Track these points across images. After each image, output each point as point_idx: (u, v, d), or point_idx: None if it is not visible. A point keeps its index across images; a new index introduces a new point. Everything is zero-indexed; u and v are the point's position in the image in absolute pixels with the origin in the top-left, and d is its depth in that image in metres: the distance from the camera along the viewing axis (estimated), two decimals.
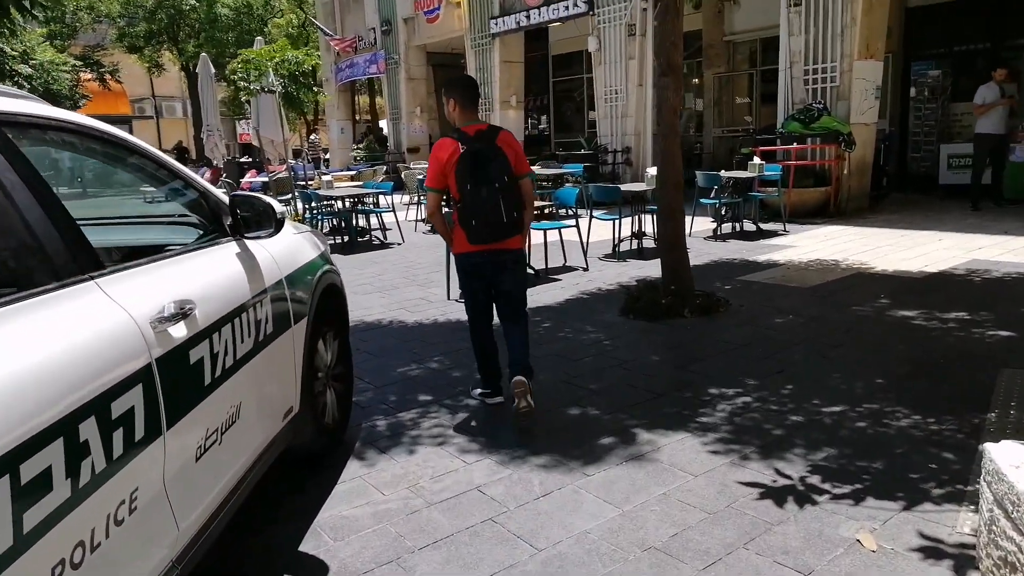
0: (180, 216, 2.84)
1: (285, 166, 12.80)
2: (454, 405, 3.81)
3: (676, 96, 5.41)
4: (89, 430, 1.50)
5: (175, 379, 1.86)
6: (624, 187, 8.11)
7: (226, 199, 2.57)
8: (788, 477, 2.85)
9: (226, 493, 2.17)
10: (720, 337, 4.77)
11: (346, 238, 9.91)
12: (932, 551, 2.31)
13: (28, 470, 1.32)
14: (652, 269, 6.68)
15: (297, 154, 21.81)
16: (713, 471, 2.93)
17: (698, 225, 8.78)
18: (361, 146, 21.65)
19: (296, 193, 11.34)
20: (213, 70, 13.10)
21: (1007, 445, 2.17)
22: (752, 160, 9.23)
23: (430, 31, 18.08)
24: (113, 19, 29.24)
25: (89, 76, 28.17)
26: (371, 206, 10.53)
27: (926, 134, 11.73)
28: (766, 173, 8.86)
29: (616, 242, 7.83)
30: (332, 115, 23.18)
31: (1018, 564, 1.94)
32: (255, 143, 13.92)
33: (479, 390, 3.85)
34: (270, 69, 11.69)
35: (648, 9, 12.18)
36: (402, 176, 13.89)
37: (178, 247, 2.41)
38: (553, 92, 18.88)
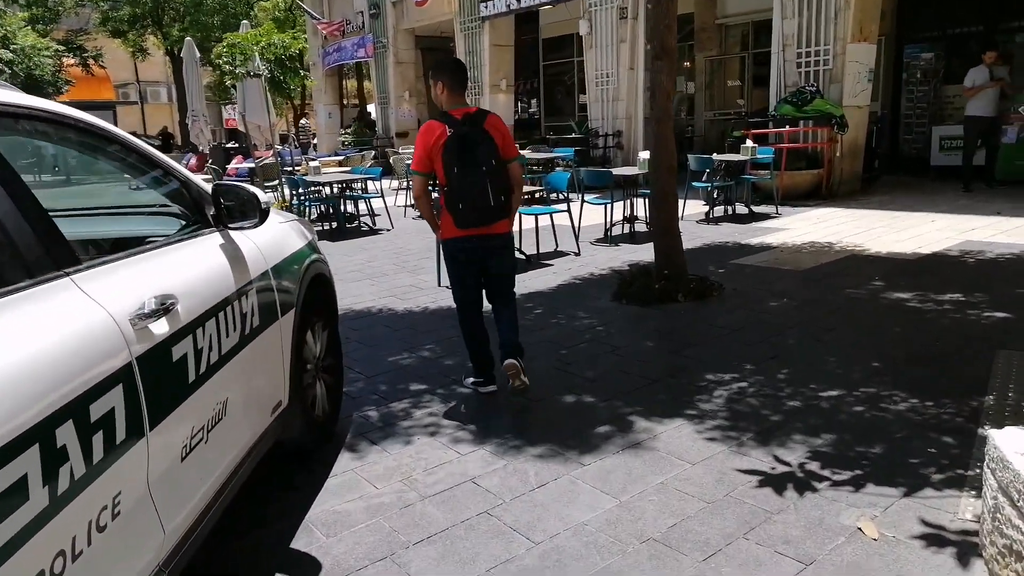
0: (161, 206, 2.75)
1: (272, 152, 12.63)
2: (446, 394, 3.75)
3: (670, 80, 5.34)
4: (67, 435, 1.43)
5: (157, 377, 1.80)
6: (616, 171, 8.05)
7: (208, 188, 2.49)
8: (787, 464, 2.82)
9: (214, 492, 2.11)
10: (714, 322, 4.73)
11: (334, 224, 9.80)
12: (934, 538, 2.28)
13: (2, 480, 1.25)
14: (644, 253, 6.63)
15: (284, 139, 21.57)
16: (711, 459, 2.89)
17: (690, 208, 8.73)
18: (349, 131, 21.44)
19: (283, 179, 11.20)
20: (198, 54, 12.86)
21: (1011, 432, 2.13)
22: (744, 143, 9.17)
23: (418, 14, 17.84)
24: (96, 3, 28.78)
25: (72, 61, 27.76)
26: (359, 192, 10.41)
27: (918, 116, 11.70)
28: (758, 156, 8.80)
29: (608, 226, 7.77)
30: (319, 100, 22.91)
31: (1023, 552, 1.91)
32: (241, 128, 13.72)
33: (471, 379, 3.80)
34: (256, 53, 11.50)
35: None
36: (391, 161, 13.75)
37: (159, 239, 2.33)
38: (543, 76, 18.71)
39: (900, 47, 11.92)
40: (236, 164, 16.12)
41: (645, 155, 7.47)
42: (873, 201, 9.34)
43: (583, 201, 7.74)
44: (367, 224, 9.91)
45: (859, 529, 2.35)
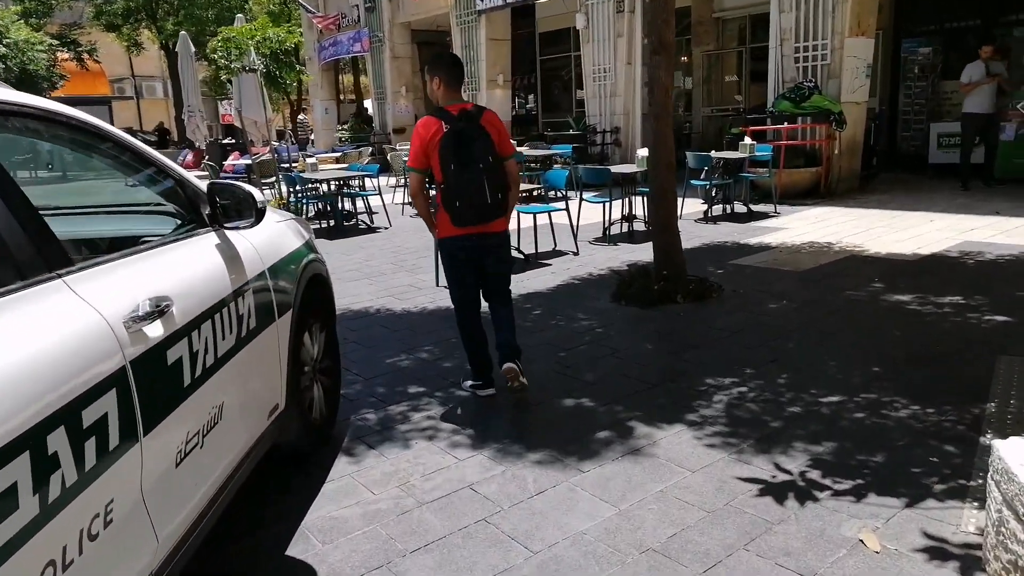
0: (156, 205, 2.71)
1: (269, 148, 12.56)
2: (445, 397, 3.72)
3: (668, 75, 5.30)
4: (58, 441, 1.40)
5: (152, 382, 1.76)
6: (615, 169, 8.00)
7: (204, 187, 2.44)
8: (787, 472, 2.79)
9: (209, 498, 2.07)
10: (713, 324, 4.71)
11: (331, 222, 9.74)
12: (937, 551, 2.26)
13: None
14: (643, 253, 6.60)
15: (281, 135, 21.47)
16: (711, 466, 2.87)
17: (688, 207, 8.69)
18: (346, 126, 21.34)
19: (280, 176, 11.13)
20: (193, 49, 12.78)
21: (1016, 442, 2.10)
22: (742, 140, 9.13)
23: (414, 8, 17.75)
24: None
25: (66, 56, 27.58)
26: (357, 189, 10.36)
27: (916, 112, 11.67)
28: (757, 154, 8.77)
29: (607, 225, 7.74)
30: (316, 95, 22.80)
31: None
32: (238, 124, 13.64)
33: (470, 382, 3.76)
34: (251, 48, 11.42)
35: None
36: (388, 157, 13.69)
37: (154, 239, 2.29)
38: (540, 71, 18.63)
39: (897, 41, 11.87)
40: (233, 160, 16.03)
41: (643, 152, 7.42)
42: (872, 200, 9.32)
43: (581, 199, 7.70)
44: (365, 222, 9.85)
45: (861, 541, 2.32)
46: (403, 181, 11.19)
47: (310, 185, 9.76)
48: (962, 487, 2.61)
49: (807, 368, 3.85)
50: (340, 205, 9.83)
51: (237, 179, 13.46)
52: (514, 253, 6.81)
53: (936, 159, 10.98)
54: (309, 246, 3.20)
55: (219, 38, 12.32)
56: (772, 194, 9.11)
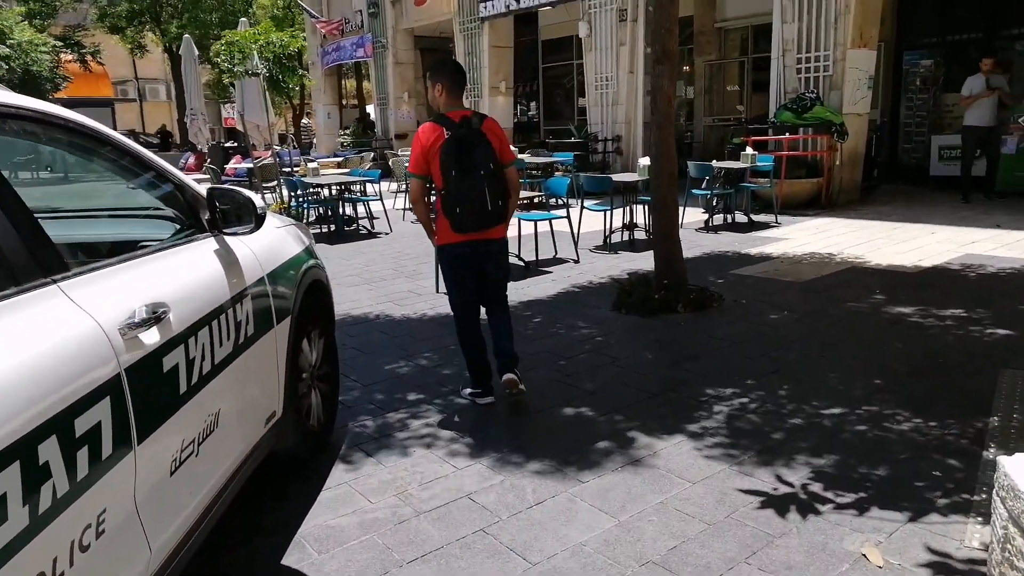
0: (155, 210, 2.69)
1: (270, 152, 12.56)
2: (444, 405, 3.69)
3: (671, 85, 5.29)
4: (50, 451, 1.37)
5: (147, 389, 1.74)
6: (616, 177, 8.00)
7: (204, 192, 2.43)
8: (789, 484, 2.76)
9: (204, 507, 2.05)
10: (714, 334, 4.68)
11: (332, 227, 9.72)
12: (941, 567, 2.23)
13: None
14: (643, 261, 6.59)
15: (283, 139, 21.49)
16: (711, 478, 2.84)
17: (689, 216, 8.66)
18: (348, 131, 21.36)
19: (281, 180, 11.12)
20: (197, 52, 12.79)
21: (1022, 459, 2.08)
22: (744, 150, 9.13)
23: (418, 14, 17.79)
24: None
25: (70, 57, 27.63)
26: (358, 194, 10.35)
27: (917, 125, 11.67)
28: (758, 164, 8.77)
29: (607, 233, 7.72)
30: (318, 99, 22.84)
31: None
32: (240, 128, 13.65)
33: (469, 390, 3.74)
34: (254, 52, 11.41)
35: None
36: (389, 163, 13.69)
37: (152, 243, 2.26)
38: (543, 78, 18.67)
39: (899, 54, 11.89)
40: (234, 164, 16.04)
41: (645, 161, 7.42)
42: (873, 211, 9.31)
43: (582, 207, 7.69)
44: (365, 227, 9.84)
45: (864, 556, 2.30)
46: (404, 187, 11.19)
47: (311, 189, 9.75)
48: (966, 502, 2.59)
49: (808, 379, 3.82)
50: (341, 210, 9.82)
51: (239, 182, 13.46)
52: (515, 260, 6.81)
53: (937, 171, 10.98)
54: (309, 252, 3.18)
55: (222, 42, 12.32)
56: (773, 204, 9.10)
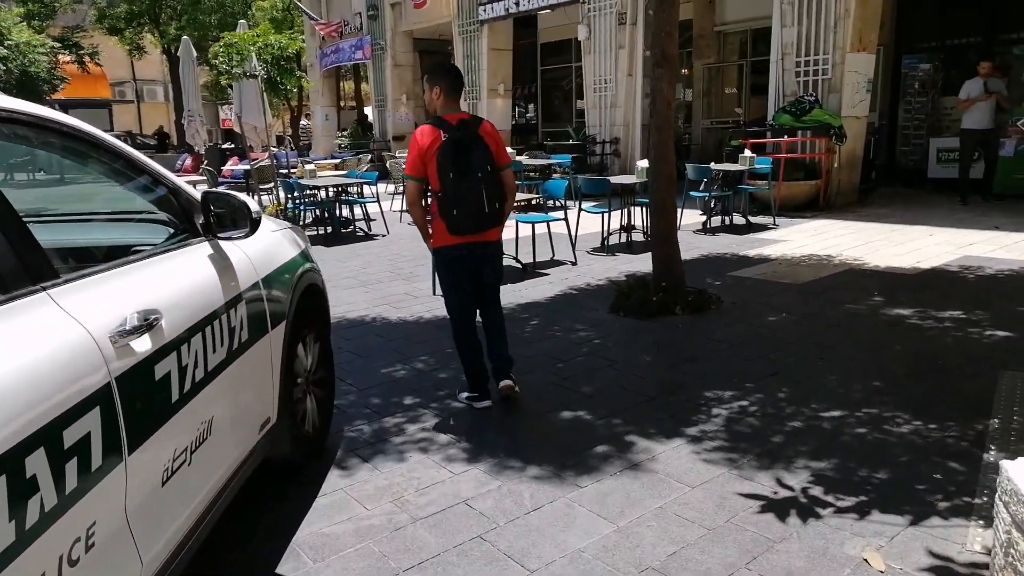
0: (148, 213, 2.66)
1: (267, 154, 12.53)
2: (440, 409, 3.67)
3: (670, 88, 5.27)
4: (37, 463, 1.35)
5: (138, 398, 1.71)
6: (614, 179, 7.98)
7: (198, 196, 2.40)
8: (789, 488, 2.74)
9: (197, 516, 2.02)
10: (712, 336, 4.66)
11: (329, 229, 9.70)
12: (943, 571, 2.21)
13: None
14: (641, 263, 6.57)
15: (280, 141, 21.44)
16: (711, 482, 2.82)
17: (687, 218, 8.66)
18: (345, 133, 21.33)
19: (278, 182, 11.09)
20: (195, 53, 12.77)
21: None
22: (742, 152, 9.12)
23: (417, 16, 17.79)
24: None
25: (68, 58, 27.56)
26: (355, 196, 10.32)
27: (916, 127, 11.67)
28: (757, 166, 8.75)
29: (605, 235, 7.71)
30: (316, 101, 22.81)
31: None
32: (237, 130, 13.61)
33: (466, 394, 3.71)
34: (253, 54, 11.38)
35: None
36: (387, 165, 13.66)
37: (145, 248, 2.24)
38: (541, 81, 18.66)
39: (898, 57, 11.91)
40: (232, 165, 16.02)
41: (643, 164, 7.40)
42: (871, 213, 9.30)
43: (580, 209, 7.67)
44: (362, 229, 9.81)
45: (865, 560, 2.28)
46: (401, 188, 11.17)
47: (308, 191, 9.72)
48: (967, 505, 2.57)
49: (807, 382, 3.80)
50: (338, 212, 9.79)
51: (236, 184, 13.40)
52: (512, 263, 6.79)
53: (935, 174, 10.98)
54: (305, 255, 3.16)
55: (221, 43, 12.29)
56: (771, 206, 9.09)
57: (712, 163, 9.34)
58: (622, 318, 5.15)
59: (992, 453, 2.93)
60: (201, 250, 2.33)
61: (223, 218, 2.39)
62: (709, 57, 15.21)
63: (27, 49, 22.25)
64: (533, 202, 8.69)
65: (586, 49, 13.35)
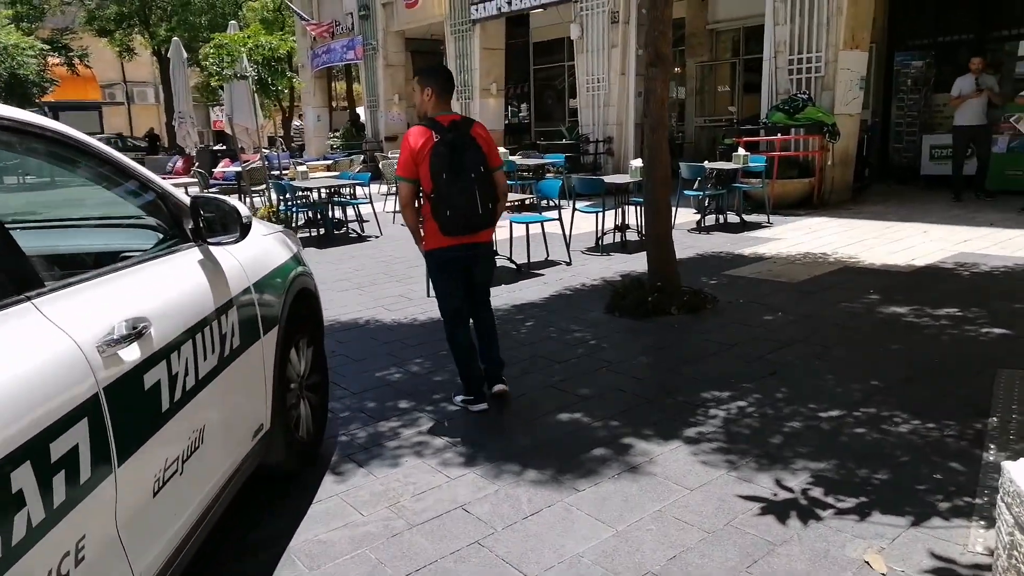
0: (136, 219, 2.62)
1: (259, 155, 12.47)
2: (436, 412, 3.64)
3: (664, 87, 5.25)
4: (24, 478, 1.31)
5: (127, 408, 1.67)
6: (608, 179, 7.96)
7: (187, 201, 2.36)
8: (789, 490, 2.72)
9: (190, 527, 1.98)
10: (709, 336, 4.64)
11: (322, 231, 9.65)
12: (945, 573, 2.19)
13: None
14: (636, 263, 6.55)
15: (272, 142, 21.36)
16: (710, 484, 2.79)
17: (681, 217, 8.65)
18: (338, 134, 21.25)
19: (270, 183, 11.03)
20: (185, 55, 12.67)
21: None
22: (736, 151, 9.11)
23: (409, 16, 17.73)
24: (82, 1, 28.42)
25: (57, 60, 27.41)
26: (348, 197, 10.27)
27: (908, 125, 11.69)
28: (751, 164, 8.75)
29: (599, 235, 7.68)
30: (308, 102, 22.73)
31: None
32: (228, 131, 13.55)
33: (461, 397, 3.69)
34: (243, 55, 11.33)
35: None
36: (380, 165, 13.61)
37: (134, 255, 2.20)
38: (534, 80, 18.64)
39: (891, 55, 11.93)
40: (223, 167, 15.92)
41: (637, 163, 7.38)
42: (864, 211, 9.31)
43: (574, 209, 7.64)
44: (355, 231, 9.77)
45: (866, 563, 2.25)
46: (394, 189, 11.12)
47: (300, 193, 9.66)
48: (968, 505, 2.55)
49: (805, 382, 3.79)
50: (331, 213, 9.74)
51: (227, 186, 13.30)
52: (506, 263, 6.76)
53: (928, 170, 11.01)
54: (297, 259, 3.12)
55: (211, 45, 12.23)
56: (765, 205, 9.09)
57: (706, 161, 9.33)
58: (618, 319, 5.13)
59: (992, 452, 2.91)
60: (191, 256, 2.29)
61: (213, 223, 2.35)
62: (702, 55, 15.21)
63: (15, 51, 22.12)
64: (527, 202, 8.66)
65: (579, 48, 13.33)
